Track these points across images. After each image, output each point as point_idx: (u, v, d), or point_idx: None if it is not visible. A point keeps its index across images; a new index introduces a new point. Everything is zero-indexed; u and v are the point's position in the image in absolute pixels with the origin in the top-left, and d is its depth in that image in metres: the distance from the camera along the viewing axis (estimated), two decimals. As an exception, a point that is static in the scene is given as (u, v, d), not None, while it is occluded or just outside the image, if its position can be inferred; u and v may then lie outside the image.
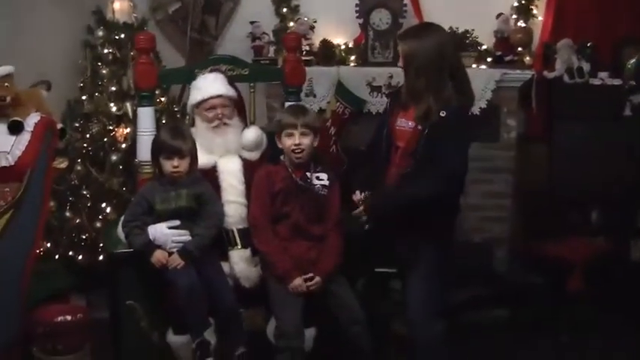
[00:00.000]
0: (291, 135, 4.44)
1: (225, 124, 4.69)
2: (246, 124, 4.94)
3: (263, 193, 4.47)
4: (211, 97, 4.68)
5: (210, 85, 4.74)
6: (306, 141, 4.44)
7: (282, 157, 4.55)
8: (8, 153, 4.37)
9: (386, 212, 4.27)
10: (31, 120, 4.51)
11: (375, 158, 4.48)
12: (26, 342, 4.75)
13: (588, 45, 6.37)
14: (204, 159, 4.55)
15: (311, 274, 4.36)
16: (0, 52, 5.18)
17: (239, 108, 4.91)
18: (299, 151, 4.44)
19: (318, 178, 4.52)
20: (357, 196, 4.36)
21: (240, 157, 4.72)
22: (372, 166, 4.50)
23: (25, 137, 4.44)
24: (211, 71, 4.89)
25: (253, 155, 4.77)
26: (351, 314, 4.37)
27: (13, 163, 4.37)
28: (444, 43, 4.26)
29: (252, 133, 4.77)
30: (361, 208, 4.31)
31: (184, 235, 4.36)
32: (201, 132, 4.67)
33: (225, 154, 4.69)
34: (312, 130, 4.48)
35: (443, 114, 4.10)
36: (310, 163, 4.52)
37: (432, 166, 4.09)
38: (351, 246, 4.56)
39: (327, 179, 4.55)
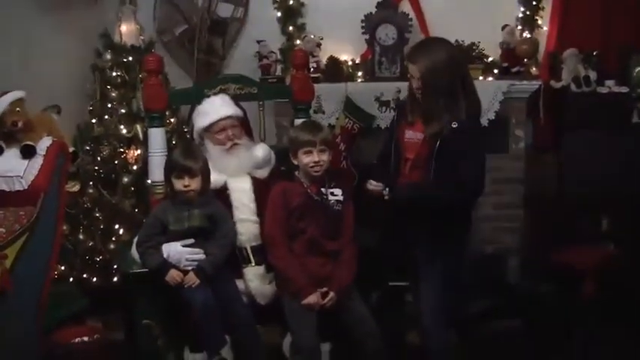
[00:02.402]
0: (309, 152, 4.41)
1: (236, 144, 4.71)
2: (253, 142, 4.95)
3: (279, 209, 4.45)
4: (220, 119, 4.70)
5: (218, 107, 4.74)
6: (325, 157, 4.43)
7: (296, 173, 4.53)
8: (21, 177, 4.39)
9: (409, 202, 4.26)
10: (43, 144, 4.54)
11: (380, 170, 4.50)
12: (44, 364, 4.77)
13: (594, 53, 6.41)
14: (214, 178, 4.56)
15: (325, 289, 4.36)
16: (10, 78, 5.21)
17: (245, 127, 4.93)
18: (318, 167, 4.44)
19: (332, 193, 4.50)
20: (373, 184, 4.33)
21: (250, 175, 4.74)
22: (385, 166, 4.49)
23: (38, 161, 4.46)
24: (220, 91, 4.92)
25: (262, 173, 4.78)
26: (366, 328, 4.36)
27: (26, 187, 4.39)
28: (455, 56, 4.28)
29: (261, 150, 4.79)
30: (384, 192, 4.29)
31: (198, 254, 4.38)
32: (214, 155, 4.67)
33: (235, 174, 4.71)
34: (328, 145, 4.47)
35: (455, 125, 4.10)
36: (325, 178, 4.51)
37: (451, 179, 4.10)
38: (365, 260, 4.56)
39: (342, 195, 4.54)
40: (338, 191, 4.53)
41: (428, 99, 4.19)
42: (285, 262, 4.40)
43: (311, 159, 4.41)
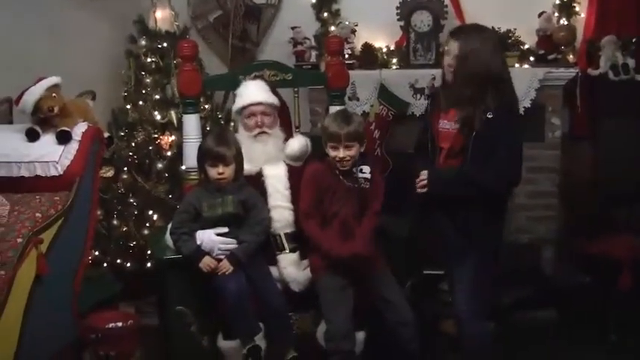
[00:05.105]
0: (335, 147, 4.38)
1: (265, 132, 4.70)
2: (290, 134, 4.94)
3: (311, 186, 4.44)
4: (251, 104, 4.69)
5: (251, 92, 4.74)
6: (351, 152, 4.38)
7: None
8: (57, 162, 4.41)
9: (444, 188, 4.25)
10: (79, 129, 4.55)
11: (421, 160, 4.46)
12: (78, 349, 4.77)
13: (633, 41, 6.30)
14: (248, 165, 4.57)
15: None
16: (46, 64, 5.23)
17: (282, 116, 4.91)
18: (344, 162, 4.39)
19: (361, 171, 4.48)
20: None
21: (285, 162, 4.73)
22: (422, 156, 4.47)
23: (73, 146, 4.48)
24: (255, 77, 4.91)
25: (298, 161, 4.77)
26: (401, 316, 4.36)
27: (62, 173, 4.41)
28: (498, 49, 4.24)
29: (297, 144, 4.77)
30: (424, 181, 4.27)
31: (231, 244, 4.39)
32: (242, 140, 4.66)
33: (263, 162, 4.70)
34: (357, 139, 4.41)
35: (490, 115, 4.07)
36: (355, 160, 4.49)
37: (488, 169, 4.08)
38: (399, 249, 4.54)
39: (369, 172, 4.50)
40: (366, 169, 4.51)
41: (459, 83, 4.18)
42: (316, 230, 4.41)
43: (336, 154, 4.38)
